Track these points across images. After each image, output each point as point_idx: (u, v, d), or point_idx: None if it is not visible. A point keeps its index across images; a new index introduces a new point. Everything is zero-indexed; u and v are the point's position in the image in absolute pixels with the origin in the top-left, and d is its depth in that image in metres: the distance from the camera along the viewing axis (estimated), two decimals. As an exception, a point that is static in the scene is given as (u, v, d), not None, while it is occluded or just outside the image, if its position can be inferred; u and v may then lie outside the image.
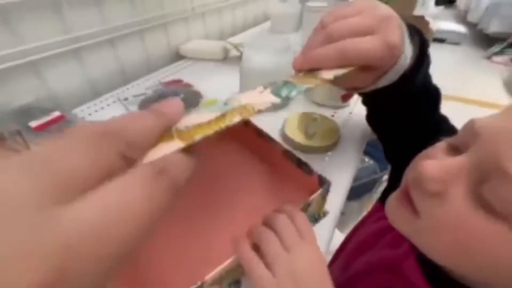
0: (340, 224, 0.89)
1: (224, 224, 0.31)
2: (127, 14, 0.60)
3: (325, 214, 0.34)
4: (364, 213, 0.45)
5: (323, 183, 0.31)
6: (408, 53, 0.28)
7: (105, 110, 0.52)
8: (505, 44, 2.56)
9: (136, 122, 0.12)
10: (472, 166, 0.19)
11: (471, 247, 0.19)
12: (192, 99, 0.54)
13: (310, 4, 0.77)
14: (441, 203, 0.20)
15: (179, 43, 0.75)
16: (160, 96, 0.55)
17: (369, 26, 0.25)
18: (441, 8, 3.18)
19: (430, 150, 0.24)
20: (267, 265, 0.23)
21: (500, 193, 0.17)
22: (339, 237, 0.50)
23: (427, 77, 0.34)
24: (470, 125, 0.21)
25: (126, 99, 0.54)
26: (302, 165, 0.33)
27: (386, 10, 0.27)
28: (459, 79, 2.25)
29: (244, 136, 0.40)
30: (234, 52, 0.74)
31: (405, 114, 0.34)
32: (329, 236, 0.33)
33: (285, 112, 0.50)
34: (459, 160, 0.20)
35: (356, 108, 0.52)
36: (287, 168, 0.35)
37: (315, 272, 0.23)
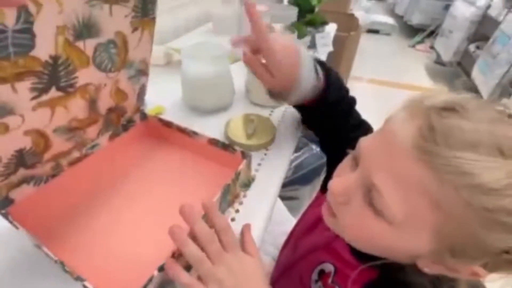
0: (294, 209, 0.97)
1: (165, 208, 0.35)
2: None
3: (253, 179, 0.42)
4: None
5: (245, 156, 0.38)
6: (310, 76, 0.39)
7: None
8: (425, 34, 2.94)
9: None
10: (362, 180, 0.26)
11: (366, 236, 0.27)
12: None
13: (246, 8, 0.81)
14: (347, 208, 0.28)
15: (119, 49, 0.74)
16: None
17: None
18: (373, 2, 3.51)
19: (339, 168, 0.31)
20: (200, 279, 0.26)
21: (376, 199, 0.25)
22: (293, 222, 0.57)
23: (342, 92, 0.44)
24: (359, 143, 0.28)
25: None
26: (226, 147, 0.40)
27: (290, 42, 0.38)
28: (390, 66, 2.54)
29: (168, 135, 0.45)
30: (177, 56, 0.75)
31: (327, 121, 0.44)
32: (267, 215, 0.39)
33: (228, 114, 0.54)
34: (354, 176, 0.27)
35: (289, 107, 0.59)
36: (213, 153, 0.41)
37: (239, 279, 0.27)
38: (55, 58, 0.26)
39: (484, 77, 1.74)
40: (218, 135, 0.50)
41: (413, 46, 2.96)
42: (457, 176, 0.20)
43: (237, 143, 0.47)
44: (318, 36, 0.84)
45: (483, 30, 1.99)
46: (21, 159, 0.30)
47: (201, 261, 0.26)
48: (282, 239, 0.56)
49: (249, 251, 0.31)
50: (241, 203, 0.39)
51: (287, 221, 0.71)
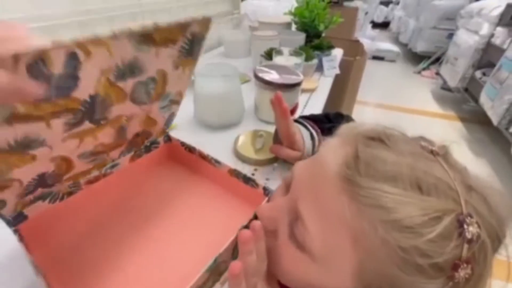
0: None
1: (184, 240, 0.34)
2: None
3: None
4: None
5: (267, 193, 0.36)
6: (308, 142, 0.43)
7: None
8: (430, 60, 3.01)
9: None
10: (289, 206, 0.25)
11: (290, 270, 0.25)
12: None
13: (256, 33, 0.86)
14: (275, 239, 0.26)
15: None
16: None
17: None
18: (377, 31, 3.65)
19: (273, 193, 0.30)
20: None
21: (299, 230, 0.23)
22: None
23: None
24: (294, 167, 0.27)
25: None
26: (247, 181, 0.38)
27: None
28: (396, 91, 2.57)
29: (190, 160, 0.43)
30: (190, 77, 0.79)
31: None
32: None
33: (238, 130, 0.56)
34: (282, 201, 0.26)
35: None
36: (234, 184, 0.39)
37: None
38: (93, 97, 0.25)
39: (493, 102, 1.74)
40: (228, 149, 0.51)
41: (419, 72, 3.01)
42: (374, 210, 0.19)
43: (246, 157, 0.48)
44: (325, 59, 0.87)
45: (488, 57, 2.02)
46: (42, 181, 0.30)
47: None
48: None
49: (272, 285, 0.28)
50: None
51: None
